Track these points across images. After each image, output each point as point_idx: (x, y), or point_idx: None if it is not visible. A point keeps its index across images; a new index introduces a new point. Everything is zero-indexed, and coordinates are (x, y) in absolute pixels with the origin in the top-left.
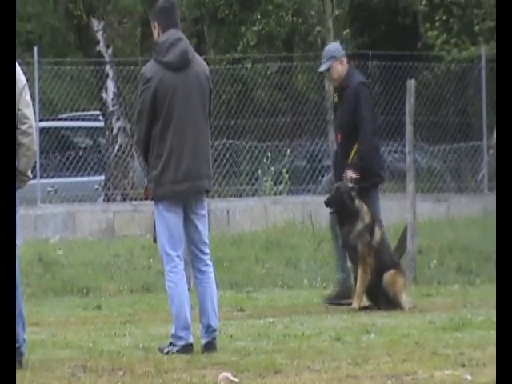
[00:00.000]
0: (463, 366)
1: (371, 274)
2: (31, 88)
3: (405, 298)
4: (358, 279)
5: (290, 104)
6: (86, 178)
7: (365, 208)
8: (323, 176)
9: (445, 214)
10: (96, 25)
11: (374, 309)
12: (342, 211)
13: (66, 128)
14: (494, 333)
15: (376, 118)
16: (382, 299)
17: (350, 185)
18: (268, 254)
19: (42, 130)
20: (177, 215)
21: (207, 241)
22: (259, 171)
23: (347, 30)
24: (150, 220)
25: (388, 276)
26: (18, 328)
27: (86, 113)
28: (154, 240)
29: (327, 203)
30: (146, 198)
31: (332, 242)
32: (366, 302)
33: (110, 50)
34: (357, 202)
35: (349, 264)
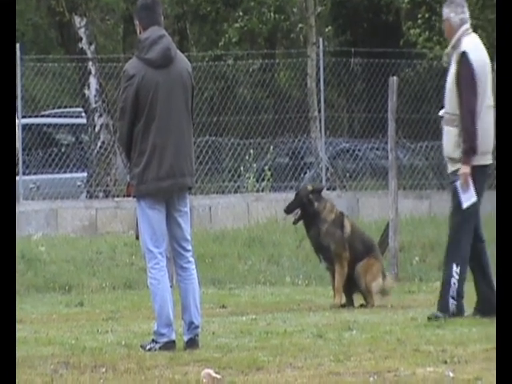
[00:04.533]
0: (445, 362)
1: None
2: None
3: (375, 289)
4: (336, 275)
5: (273, 101)
6: (68, 175)
7: (328, 206)
8: (305, 173)
9: (427, 211)
10: (78, 22)
11: (356, 305)
12: (305, 215)
13: (49, 125)
14: (475, 330)
15: None
16: (355, 290)
17: (309, 188)
18: (250, 250)
19: (24, 127)
20: (159, 212)
21: (189, 238)
22: (241, 168)
23: (329, 28)
24: (133, 217)
25: (359, 267)
26: None
27: (68, 109)
28: (137, 237)
29: (286, 210)
30: (129, 195)
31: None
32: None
33: (92, 47)
34: (316, 203)
35: (323, 265)
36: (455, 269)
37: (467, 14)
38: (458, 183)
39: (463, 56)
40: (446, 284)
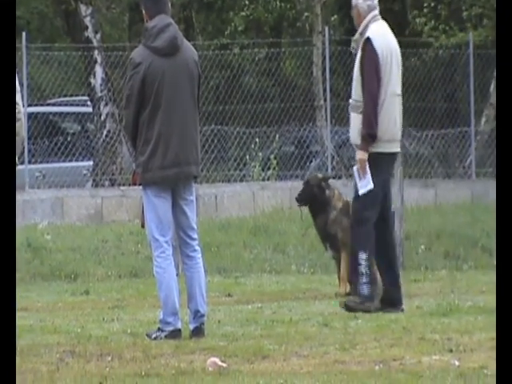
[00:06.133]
0: (451, 351)
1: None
2: (19, 73)
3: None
4: (342, 263)
5: (278, 90)
6: (74, 164)
7: (336, 194)
8: (311, 162)
9: (432, 200)
10: (84, 10)
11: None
12: (314, 203)
13: (55, 113)
14: (481, 318)
15: None
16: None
17: (320, 176)
18: (256, 239)
19: (30, 116)
20: (165, 201)
21: (195, 226)
22: (247, 157)
23: (335, 16)
24: (139, 205)
25: None
26: None
27: (74, 98)
28: (143, 225)
29: (299, 200)
30: (134, 184)
31: None
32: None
33: (98, 36)
34: (327, 191)
35: (329, 254)
36: (362, 256)
37: (375, 1)
38: (355, 169)
39: (367, 42)
40: (355, 271)
